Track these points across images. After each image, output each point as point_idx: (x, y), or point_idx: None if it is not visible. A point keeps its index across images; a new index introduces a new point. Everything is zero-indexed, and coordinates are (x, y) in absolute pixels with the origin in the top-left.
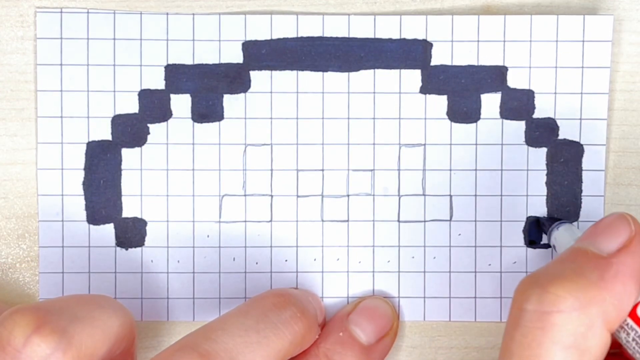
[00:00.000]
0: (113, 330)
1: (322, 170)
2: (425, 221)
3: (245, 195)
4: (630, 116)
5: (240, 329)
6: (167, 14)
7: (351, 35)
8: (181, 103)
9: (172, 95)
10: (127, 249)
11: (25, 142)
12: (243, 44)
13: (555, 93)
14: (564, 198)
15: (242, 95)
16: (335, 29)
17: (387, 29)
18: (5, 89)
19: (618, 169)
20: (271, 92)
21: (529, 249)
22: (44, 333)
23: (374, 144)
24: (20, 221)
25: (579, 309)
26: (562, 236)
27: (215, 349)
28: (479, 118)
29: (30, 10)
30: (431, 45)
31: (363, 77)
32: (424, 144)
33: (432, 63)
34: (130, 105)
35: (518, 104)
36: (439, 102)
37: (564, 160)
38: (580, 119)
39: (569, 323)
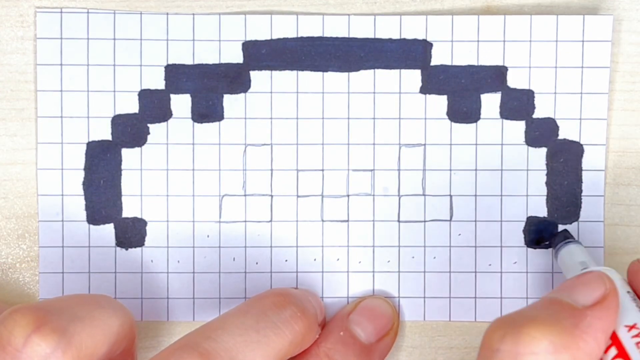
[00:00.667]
0: (113, 330)
1: (322, 170)
2: (425, 221)
3: (245, 195)
4: (630, 116)
5: (240, 328)
6: (167, 14)
7: (351, 36)
8: (181, 103)
9: (172, 95)
10: (127, 249)
11: (25, 142)
12: (243, 44)
13: (555, 93)
14: (564, 198)
15: (242, 95)
16: (335, 29)
17: (387, 29)
18: (5, 89)
19: (618, 169)
20: (271, 92)
21: (530, 249)
22: (44, 332)
23: (374, 144)
24: (20, 221)
25: (552, 353)
26: (566, 257)
27: (215, 348)
28: (479, 118)
29: (30, 10)
30: (431, 45)
31: (363, 77)
32: (424, 144)
33: (432, 63)
34: (130, 105)
35: (518, 104)
36: (439, 102)
37: (564, 160)
38: (580, 118)
39: None
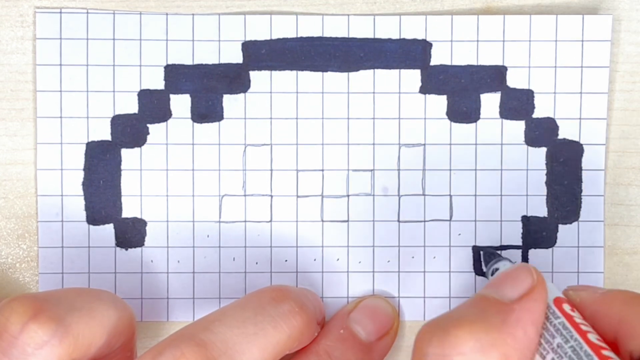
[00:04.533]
0: (111, 323)
1: (322, 170)
2: (425, 221)
3: (245, 195)
4: (630, 116)
5: (238, 320)
6: (167, 14)
7: (351, 36)
8: (181, 103)
9: (171, 96)
10: (126, 249)
11: (24, 142)
12: (243, 44)
13: (554, 93)
14: (564, 198)
15: (241, 95)
16: (335, 29)
17: (387, 29)
18: (5, 89)
19: (618, 168)
20: (271, 92)
21: (529, 249)
22: (41, 320)
23: (373, 144)
24: (20, 221)
25: (480, 352)
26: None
27: (212, 339)
28: (478, 118)
29: (30, 10)
30: (431, 45)
31: (363, 77)
32: (424, 144)
33: (432, 63)
34: (130, 106)
35: (518, 104)
36: (439, 102)
37: (564, 160)
38: (580, 118)
39: None
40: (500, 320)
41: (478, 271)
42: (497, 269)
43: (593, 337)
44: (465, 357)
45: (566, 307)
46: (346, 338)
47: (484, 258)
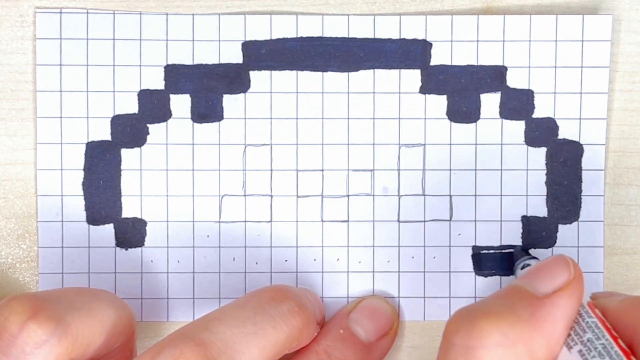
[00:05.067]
0: (110, 323)
1: (322, 170)
2: (425, 221)
3: (245, 195)
4: (630, 116)
5: (237, 320)
6: (167, 14)
7: (351, 36)
8: (181, 103)
9: (171, 96)
10: (126, 249)
11: (24, 142)
12: (243, 44)
13: (554, 93)
14: (564, 198)
15: (241, 95)
16: (335, 29)
17: (387, 29)
18: (5, 89)
19: (618, 168)
20: (271, 92)
21: (530, 249)
22: (40, 320)
23: (373, 144)
24: (20, 221)
25: (505, 346)
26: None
27: (211, 338)
28: (478, 118)
29: (30, 10)
30: (431, 45)
31: (363, 77)
32: (424, 144)
33: (432, 63)
34: (130, 106)
35: (517, 104)
36: (439, 102)
37: (564, 160)
38: (580, 118)
39: (493, 359)
40: (528, 314)
41: (478, 271)
42: (528, 265)
43: (622, 343)
44: (489, 351)
45: (598, 311)
46: (346, 338)
47: (515, 255)
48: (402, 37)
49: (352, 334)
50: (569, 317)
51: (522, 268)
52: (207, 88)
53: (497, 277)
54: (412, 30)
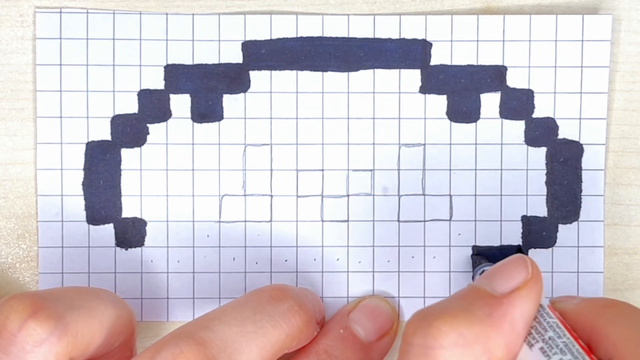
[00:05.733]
0: (110, 322)
1: (322, 170)
2: (425, 221)
3: (245, 195)
4: (630, 116)
5: (237, 319)
6: (167, 14)
7: (351, 35)
8: (181, 103)
9: (171, 95)
10: (126, 249)
11: (24, 142)
12: (243, 44)
13: (554, 92)
14: (564, 197)
15: (241, 95)
16: (335, 29)
17: (387, 29)
18: (5, 89)
19: (617, 168)
20: (271, 92)
21: (529, 249)
22: (40, 318)
23: (373, 143)
24: (20, 221)
25: (462, 346)
26: None
27: (211, 337)
28: (478, 118)
29: (30, 10)
30: (431, 45)
31: (363, 77)
32: (424, 144)
33: (432, 63)
34: (130, 105)
35: (517, 104)
36: (439, 102)
37: (564, 160)
38: (580, 118)
39: (451, 359)
40: (485, 313)
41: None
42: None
43: (581, 342)
44: (447, 351)
45: (557, 312)
46: (346, 338)
47: (473, 262)
48: (402, 37)
49: (352, 334)
50: (527, 316)
51: (481, 274)
52: (207, 88)
53: None
54: (412, 30)
